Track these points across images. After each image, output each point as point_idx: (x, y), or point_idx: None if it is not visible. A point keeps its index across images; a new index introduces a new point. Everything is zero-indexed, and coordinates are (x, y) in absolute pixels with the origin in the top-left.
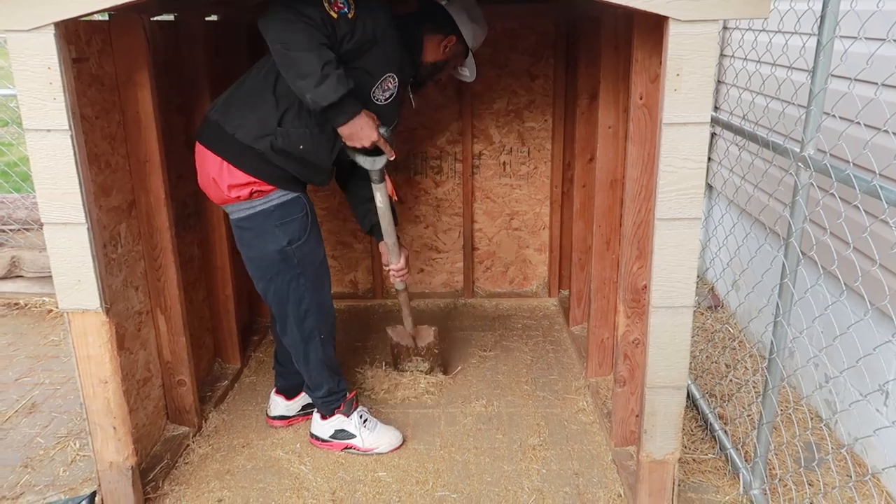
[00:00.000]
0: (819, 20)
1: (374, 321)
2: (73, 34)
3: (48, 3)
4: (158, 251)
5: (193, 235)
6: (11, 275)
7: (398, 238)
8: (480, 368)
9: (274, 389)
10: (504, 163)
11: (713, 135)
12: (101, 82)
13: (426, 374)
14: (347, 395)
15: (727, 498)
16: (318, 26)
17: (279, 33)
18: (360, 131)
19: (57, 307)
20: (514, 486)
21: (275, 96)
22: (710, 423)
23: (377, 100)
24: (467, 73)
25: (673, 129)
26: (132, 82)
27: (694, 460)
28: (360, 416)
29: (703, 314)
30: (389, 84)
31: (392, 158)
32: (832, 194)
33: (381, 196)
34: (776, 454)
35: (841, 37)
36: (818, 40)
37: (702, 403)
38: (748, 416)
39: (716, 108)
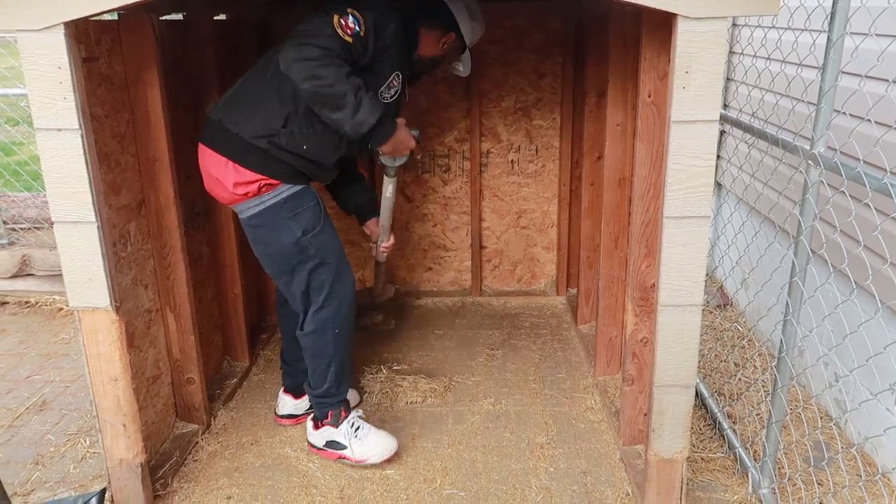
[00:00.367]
0: (829, 16)
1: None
2: (83, 34)
3: (58, 4)
4: (168, 249)
5: (202, 234)
6: (22, 273)
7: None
8: (488, 367)
9: (282, 388)
10: (512, 161)
11: (722, 132)
12: (111, 81)
13: (377, 325)
14: (342, 403)
15: (736, 497)
16: (339, 55)
17: (306, 73)
18: (400, 145)
19: (67, 305)
20: (521, 485)
21: (279, 96)
22: (719, 422)
23: (384, 98)
24: (461, 68)
25: (682, 127)
26: (141, 81)
27: (702, 459)
28: (352, 425)
29: (711, 313)
30: (395, 82)
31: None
32: (842, 192)
33: (392, 188)
34: (785, 453)
35: (851, 33)
36: (828, 37)
37: (710, 402)
38: (757, 414)
39: (725, 106)
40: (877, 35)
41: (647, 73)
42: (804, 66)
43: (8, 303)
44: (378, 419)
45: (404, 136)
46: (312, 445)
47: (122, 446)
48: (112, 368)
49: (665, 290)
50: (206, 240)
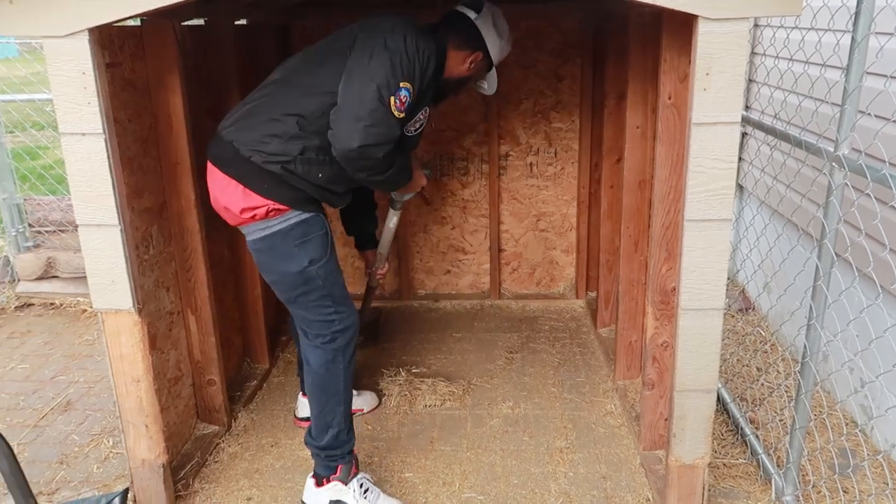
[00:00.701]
0: (854, 16)
1: (398, 323)
2: (107, 39)
3: (83, 10)
4: (189, 252)
5: (223, 236)
6: (48, 275)
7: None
8: (507, 370)
9: (301, 392)
10: (531, 164)
11: (744, 134)
12: (134, 86)
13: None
14: (353, 452)
15: None
16: (396, 140)
17: (362, 168)
18: (414, 185)
19: (91, 307)
20: (540, 489)
21: (298, 125)
22: (741, 428)
23: (408, 132)
24: (486, 86)
25: (702, 129)
26: (163, 86)
27: (724, 465)
28: (360, 485)
29: (733, 317)
30: (422, 116)
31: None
32: (867, 194)
33: (396, 220)
34: (809, 460)
35: (876, 33)
36: (853, 37)
37: (732, 407)
38: (780, 420)
39: (747, 108)
40: None
41: (667, 75)
42: (828, 66)
43: (34, 304)
44: (397, 422)
45: (416, 178)
46: None
47: (144, 447)
48: (134, 370)
49: (686, 293)
50: (227, 242)
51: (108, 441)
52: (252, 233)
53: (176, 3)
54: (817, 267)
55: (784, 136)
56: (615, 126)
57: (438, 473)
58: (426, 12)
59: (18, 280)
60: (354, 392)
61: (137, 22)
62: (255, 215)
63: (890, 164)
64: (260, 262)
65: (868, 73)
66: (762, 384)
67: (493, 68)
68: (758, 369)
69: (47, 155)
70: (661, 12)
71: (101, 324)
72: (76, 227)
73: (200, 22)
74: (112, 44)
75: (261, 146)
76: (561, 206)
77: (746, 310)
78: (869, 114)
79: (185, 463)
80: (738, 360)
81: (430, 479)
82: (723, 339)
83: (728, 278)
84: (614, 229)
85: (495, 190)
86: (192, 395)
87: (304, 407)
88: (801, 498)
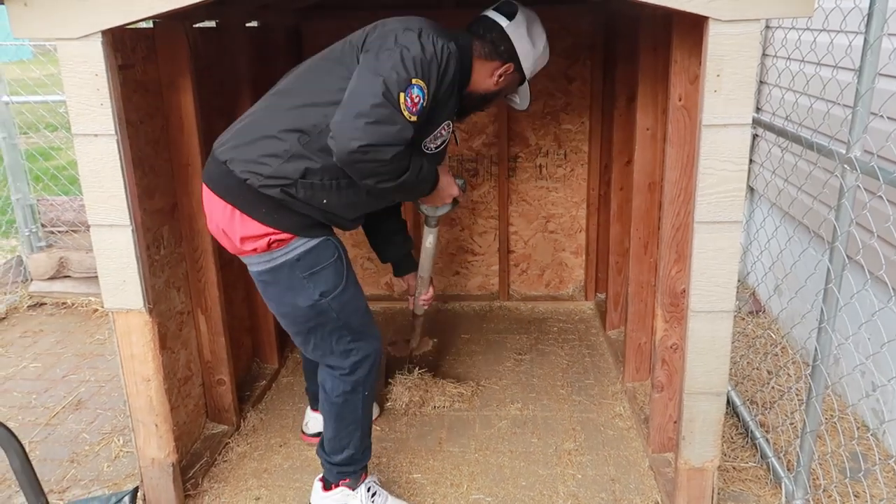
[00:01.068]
0: (866, 18)
1: (408, 323)
2: (120, 42)
3: (96, 12)
4: (199, 253)
5: None
6: (60, 275)
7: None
8: (516, 372)
9: (309, 407)
10: (540, 165)
11: (755, 136)
12: (146, 88)
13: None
14: (365, 464)
15: None
16: (407, 144)
17: (369, 174)
18: (442, 193)
19: (102, 307)
20: (549, 491)
21: (300, 143)
22: (751, 431)
23: (428, 149)
24: (518, 100)
25: (713, 131)
26: (175, 88)
27: (734, 468)
28: (368, 489)
29: (743, 319)
30: (444, 131)
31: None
32: (880, 197)
33: (433, 239)
34: (820, 464)
35: (889, 35)
36: (865, 38)
37: (742, 410)
38: (791, 424)
39: (758, 110)
40: None
41: (677, 77)
42: (840, 68)
43: (45, 304)
44: (405, 423)
45: (445, 185)
46: None
47: (154, 446)
48: (145, 369)
49: (696, 295)
50: None
51: (119, 440)
52: (255, 264)
53: (188, 6)
54: (829, 269)
55: (795, 138)
56: (625, 128)
57: (446, 474)
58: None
59: (31, 279)
60: None
61: (150, 24)
62: (255, 248)
63: None
64: (265, 294)
65: (881, 74)
66: (772, 387)
67: (526, 82)
68: (768, 372)
69: (60, 156)
70: (671, 14)
71: (113, 323)
72: (88, 227)
73: (212, 24)
74: (124, 46)
75: (257, 167)
76: (570, 208)
77: (757, 312)
78: (881, 116)
79: (194, 462)
80: (748, 362)
81: (439, 480)
82: (733, 342)
83: (738, 280)
84: (624, 231)
85: (504, 191)
86: (201, 395)
87: (315, 422)
88: (811, 502)
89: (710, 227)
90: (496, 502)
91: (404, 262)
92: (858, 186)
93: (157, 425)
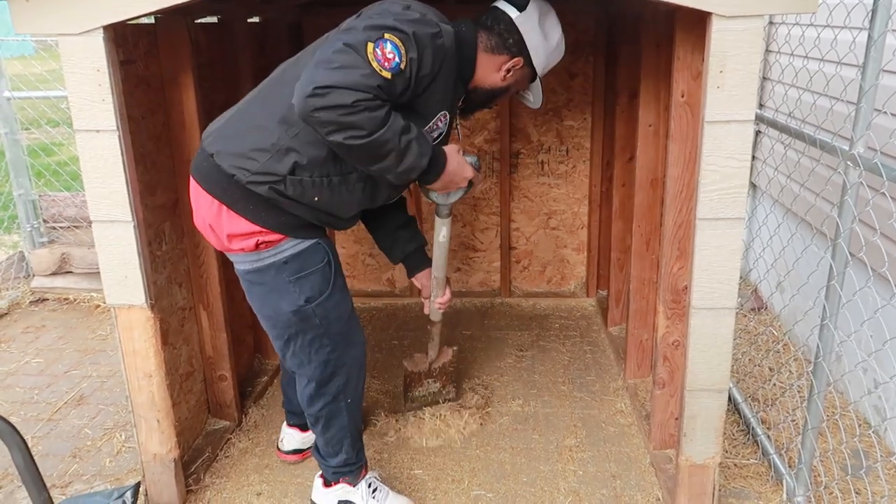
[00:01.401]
0: (870, 14)
1: (410, 319)
2: (121, 37)
3: (98, 7)
4: (201, 249)
5: None
6: (62, 271)
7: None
8: (517, 368)
9: (285, 423)
10: (542, 162)
11: (758, 133)
12: (148, 83)
13: (435, 395)
14: (362, 463)
15: None
16: (376, 95)
17: (333, 124)
18: (455, 177)
19: (104, 302)
20: (550, 487)
21: (288, 135)
22: (753, 428)
23: None
24: (531, 97)
25: (716, 128)
26: (177, 83)
27: (735, 465)
28: (369, 485)
29: (745, 316)
30: (440, 123)
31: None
32: (883, 194)
33: (446, 231)
34: (821, 461)
35: (893, 30)
36: (869, 34)
37: (744, 407)
38: (792, 421)
39: (761, 106)
40: None
41: (680, 73)
42: (843, 64)
43: (48, 299)
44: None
45: (456, 167)
46: None
47: (156, 441)
48: (147, 365)
49: (698, 292)
50: None
51: (121, 435)
52: (241, 262)
53: (189, 1)
54: (831, 266)
55: (798, 135)
56: (627, 124)
57: (447, 470)
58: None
59: (33, 275)
60: None
61: (151, 20)
62: (243, 248)
63: None
64: (249, 294)
65: (885, 70)
66: (774, 384)
67: (538, 79)
68: (770, 369)
69: (62, 151)
70: (674, 10)
71: (114, 319)
72: (90, 223)
73: (214, 19)
74: (126, 41)
75: (245, 163)
76: (572, 205)
77: (759, 309)
78: (885, 112)
79: (196, 458)
80: (749, 359)
81: (440, 476)
82: (735, 339)
83: (740, 277)
84: (626, 228)
85: (506, 188)
86: (203, 391)
87: (290, 439)
88: (812, 499)
89: (713, 224)
90: (497, 498)
91: (414, 259)
92: (861, 183)
93: (158, 421)
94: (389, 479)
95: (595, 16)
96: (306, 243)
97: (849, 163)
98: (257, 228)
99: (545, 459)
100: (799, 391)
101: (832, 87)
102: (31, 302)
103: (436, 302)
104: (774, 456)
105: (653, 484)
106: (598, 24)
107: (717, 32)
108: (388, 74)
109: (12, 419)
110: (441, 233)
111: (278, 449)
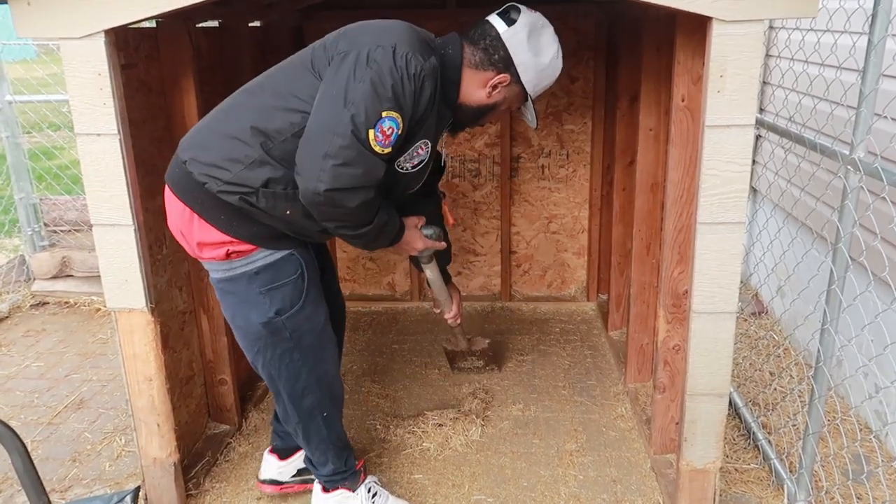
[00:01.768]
0: (870, 18)
1: (411, 323)
2: (123, 41)
3: (99, 12)
4: None
5: None
6: (62, 274)
7: (450, 288)
8: (517, 372)
9: (268, 447)
10: (542, 166)
11: (758, 137)
12: (149, 87)
13: (480, 369)
14: (355, 469)
15: None
16: (377, 186)
17: (330, 217)
18: (406, 246)
19: (105, 306)
20: (550, 492)
21: (264, 149)
22: (754, 433)
23: (403, 169)
24: (529, 116)
25: (716, 132)
26: (178, 87)
27: (736, 470)
28: (368, 490)
29: (746, 320)
30: (420, 151)
31: (443, 249)
32: (883, 198)
33: (430, 272)
34: (823, 466)
35: (893, 35)
36: (869, 39)
37: (745, 412)
38: (793, 425)
39: (761, 110)
40: None
41: (680, 77)
42: (843, 69)
43: (48, 303)
44: (406, 429)
45: (410, 240)
46: None
47: (156, 445)
48: (147, 368)
49: (698, 296)
50: None
51: (121, 439)
52: (213, 271)
53: (191, 5)
54: (832, 271)
55: (799, 139)
56: (628, 128)
57: (448, 475)
58: (440, 14)
59: (34, 279)
60: None
61: (153, 24)
62: (213, 256)
63: None
64: (222, 303)
65: (885, 75)
66: (775, 388)
67: (530, 100)
68: (771, 374)
69: (63, 155)
70: (675, 14)
71: (115, 323)
72: (91, 226)
73: (215, 24)
74: (127, 45)
75: (216, 172)
76: (572, 209)
77: (759, 313)
78: (885, 116)
79: (196, 462)
80: (750, 364)
81: (440, 480)
82: (735, 343)
83: (741, 282)
84: (626, 232)
85: (507, 192)
86: (203, 395)
87: (267, 467)
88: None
89: (713, 228)
90: (498, 503)
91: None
92: (862, 188)
93: (159, 425)
94: (389, 483)
95: (596, 19)
96: (279, 254)
97: (849, 167)
98: (227, 238)
99: (546, 464)
100: (800, 396)
101: (832, 91)
102: (31, 305)
103: (447, 317)
104: (775, 461)
105: (653, 489)
106: (599, 28)
107: (718, 37)
108: (388, 151)
109: (12, 423)
110: (426, 275)
111: (257, 479)
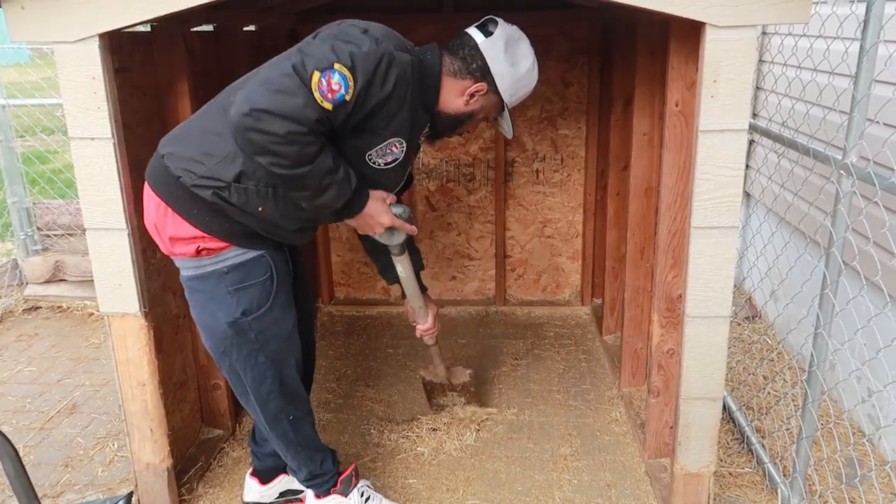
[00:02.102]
0: (862, 24)
1: (405, 328)
2: (117, 45)
3: (94, 16)
4: None
5: None
6: (55, 279)
7: (424, 298)
8: (512, 377)
9: (250, 470)
10: (537, 170)
11: (751, 142)
12: (143, 91)
13: (462, 407)
14: (340, 473)
15: None
16: (311, 129)
17: (260, 148)
18: (371, 220)
19: (98, 310)
20: (545, 497)
21: (238, 145)
22: (747, 437)
23: (375, 164)
24: (506, 126)
25: (710, 137)
26: (173, 91)
27: (730, 474)
28: (361, 494)
29: (739, 325)
30: (394, 149)
31: (414, 234)
32: (876, 203)
33: (402, 267)
34: (816, 469)
35: (885, 41)
36: (861, 45)
37: (738, 416)
38: (787, 429)
39: (754, 115)
40: None
41: (674, 82)
42: (836, 74)
43: (41, 307)
44: (400, 434)
45: (374, 212)
46: None
47: (149, 450)
48: (140, 373)
49: (692, 301)
50: None
51: (114, 444)
52: (184, 268)
53: (186, 10)
54: (825, 275)
55: (792, 144)
56: (622, 133)
57: (442, 480)
58: (436, 18)
59: (27, 283)
60: None
61: (148, 28)
62: (184, 252)
63: None
64: (191, 301)
65: (877, 81)
66: (768, 393)
67: (506, 110)
68: (764, 378)
69: (57, 159)
70: (668, 20)
71: (108, 327)
72: (84, 230)
73: (210, 28)
74: (122, 49)
75: (192, 165)
76: (567, 213)
77: (753, 318)
78: (877, 122)
79: (189, 467)
80: (744, 368)
81: (434, 485)
82: (729, 347)
83: (734, 286)
84: (620, 236)
85: (501, 196)
86: (197, 399)
87: (250, 490)
88: None
89: (707, 233)
90: None
91: (393, 273)
92: (854, 192)
93: (152, 430)
94: (383, 487)
95: (590, 25)
96: (250, 254)
97: (842, 172)
98: (199, 234)
99: (540, 468)
100: (793, 400)
101: (825, 96)
102: (24, 310)
103: (418, 329)
104: (769, 464)
105: (647, 493)
106: (593, 33)
107: (711, 42)
108: (328, 106)
109: (4, 428)
110: (398, 269)
111: (242, 501)
